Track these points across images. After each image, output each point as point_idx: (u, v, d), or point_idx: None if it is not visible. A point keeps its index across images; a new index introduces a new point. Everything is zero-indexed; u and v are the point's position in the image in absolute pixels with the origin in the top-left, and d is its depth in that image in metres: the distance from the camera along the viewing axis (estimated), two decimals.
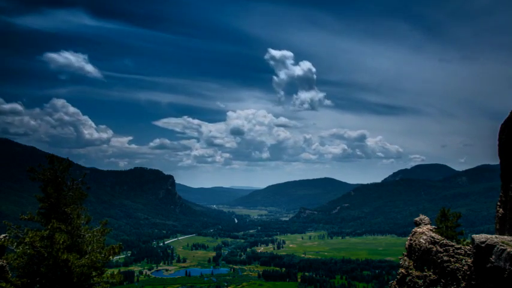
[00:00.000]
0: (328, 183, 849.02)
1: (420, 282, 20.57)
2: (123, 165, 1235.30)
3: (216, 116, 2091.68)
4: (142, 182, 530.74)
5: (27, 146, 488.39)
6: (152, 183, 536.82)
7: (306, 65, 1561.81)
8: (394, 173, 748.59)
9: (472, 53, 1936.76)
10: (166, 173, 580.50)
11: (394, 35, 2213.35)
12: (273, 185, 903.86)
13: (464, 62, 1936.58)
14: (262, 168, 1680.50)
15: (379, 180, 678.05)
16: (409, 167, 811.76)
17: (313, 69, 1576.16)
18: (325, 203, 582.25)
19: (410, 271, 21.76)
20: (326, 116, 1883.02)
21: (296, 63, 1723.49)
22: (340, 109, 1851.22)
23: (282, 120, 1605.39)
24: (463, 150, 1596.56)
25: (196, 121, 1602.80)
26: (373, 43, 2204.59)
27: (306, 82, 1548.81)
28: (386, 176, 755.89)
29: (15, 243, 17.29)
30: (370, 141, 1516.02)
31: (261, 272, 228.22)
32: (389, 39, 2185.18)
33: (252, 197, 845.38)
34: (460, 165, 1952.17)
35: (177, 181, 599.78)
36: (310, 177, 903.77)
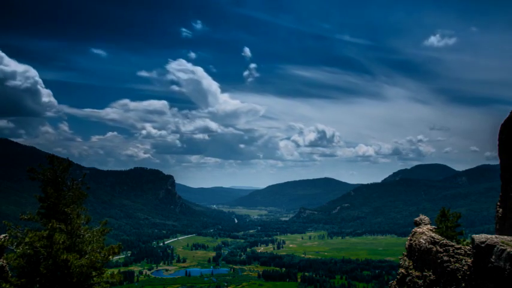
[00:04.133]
0: (328, 183, 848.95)
1: (420, 282, 20.58)
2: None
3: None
4: (142, 182, 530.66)
5: (27, 146, 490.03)
6: (152, 183, 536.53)
7: None
8: (394, 173, 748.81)
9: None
10: (166, 172, 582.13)
11: None
12: (273, 185, 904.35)
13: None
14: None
15: (379, 180, 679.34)
16: (408, 167, 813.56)
17: None
18: (325, 203, 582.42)
19: (410, 271, 21.77)
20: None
21: None
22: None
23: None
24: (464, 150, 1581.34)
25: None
26: None
27: None
28: (386, 176, 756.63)
29: (15, 243, 17.29)
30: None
31: (261, 272, 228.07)
32: None
33: (252, 197, 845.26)
34: (460, 165, 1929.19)
35: (177, 181, 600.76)
36: (310, 177, 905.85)
